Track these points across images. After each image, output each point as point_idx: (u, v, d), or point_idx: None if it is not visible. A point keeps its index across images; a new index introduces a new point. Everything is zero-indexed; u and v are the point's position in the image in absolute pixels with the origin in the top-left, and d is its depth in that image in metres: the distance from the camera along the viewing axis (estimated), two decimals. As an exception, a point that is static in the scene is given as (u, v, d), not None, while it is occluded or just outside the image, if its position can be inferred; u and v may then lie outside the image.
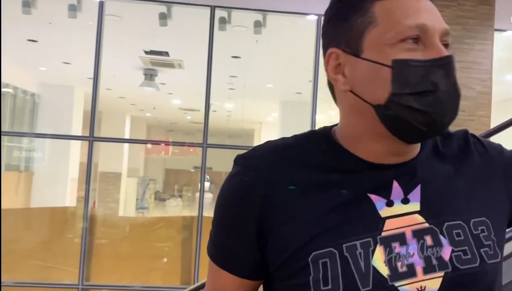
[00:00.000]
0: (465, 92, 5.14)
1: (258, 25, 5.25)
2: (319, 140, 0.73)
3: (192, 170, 18.30)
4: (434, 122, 0.64)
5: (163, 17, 5.11)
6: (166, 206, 15.26)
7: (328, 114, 7.40)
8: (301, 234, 0.66)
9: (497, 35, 5.72)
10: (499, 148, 0.79)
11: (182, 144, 12.63)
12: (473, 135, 0.79)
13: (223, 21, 5.19)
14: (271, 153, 0.72)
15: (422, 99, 0.63)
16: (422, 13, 0.66)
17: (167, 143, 14.07)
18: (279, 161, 0.71)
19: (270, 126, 12.17)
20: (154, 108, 12.85)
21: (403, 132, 0.66)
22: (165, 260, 6.70)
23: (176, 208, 15.58)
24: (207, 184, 18.81)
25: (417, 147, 0.72)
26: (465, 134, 0.78)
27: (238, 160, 0.73)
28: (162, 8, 5.25)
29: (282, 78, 8.56)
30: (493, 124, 5.22)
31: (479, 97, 5.60)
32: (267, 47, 7.18)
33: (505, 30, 5.79)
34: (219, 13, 5.34)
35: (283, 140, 0.75)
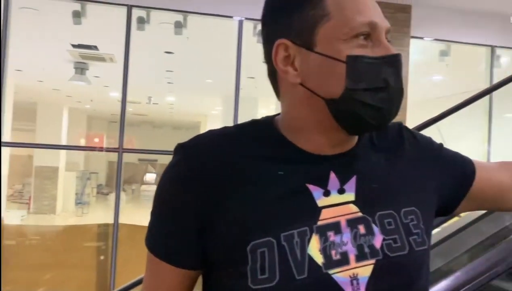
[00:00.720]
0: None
1: (179, 25, 5.18)
2: (261, 130, 0.74)
3: (136, 162, 17.98)
4: (384, 117, 0.68)
5: (77, 15, 4.94)
6: (108, 200, 14.80)
7: (270, 109, 7.45)
8: (240, 224, 0.66)
9: (413, 41, 5.96)
10: (429, 141, 0.83)
11: (93, 149, 12.26)
12: (406, 128, 0.82)
13: (141, 21, 5.09)
14: (212, 141, 0.72)
15: (375, 95, 0.66)
16: (371, 10, 0.68)
17: (79, 148, 13.60)
18: (220, 149, 0.70)
19: (215, 119, 12.16)
20: (91, 100, 12.46)
21: (353, 125, 0.68)
22: (79, 269, 6.39)
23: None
24: (152, 176, 18.57)
25: (354, 139, 0.74)
26: (399, 127, 0.81)
27: (178, 149, 0.72)
28: (76, 6, 5.08)
29: (221, 74, 8.55)
30: (409, 125, 5.44)
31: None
32: (198, 45, 7.14)
33: (421, 38, 6.01)
34: (137, 12, 5.23)
35: (224, 129, 0.74)
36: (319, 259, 0.65)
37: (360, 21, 0.66)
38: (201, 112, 13.80)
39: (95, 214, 13.20)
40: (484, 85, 6.08)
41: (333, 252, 0.65)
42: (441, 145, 0.84)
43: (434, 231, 2.24)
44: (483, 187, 0.82)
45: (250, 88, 8.66)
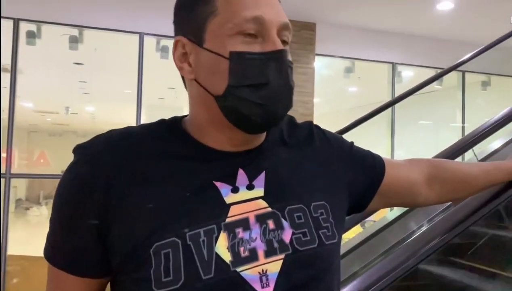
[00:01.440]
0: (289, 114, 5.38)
1: (74, 40, 4.92)
2: (167, 129, 0.72)
3: (60, 174, 17.08)
4: (268, 115, 0.66)
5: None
6: (28, 215, 13.90)
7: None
8: (143, 226, 0.63)
9: (319, 58, 6.07)
10: (340, 139, 0.84)
11: None
12: (317, 127, 0.83)
13: (31, 35, 4.77)
14: (113, 141, 0.69)
15: (256, 92, 0.64)
16: (261, 5, 0.66)
17: None
18: (121, 149, 0.67)
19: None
20: (2, 110, 11.65)
21: (241, 123, 0.67)
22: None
23: (39, 218, 14.27)
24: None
25: (261, 136, 0.73)
26: (309, 125, 0.82)
27: (76, 150, 0.68)
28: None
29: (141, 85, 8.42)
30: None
31: (302, 119, 5.87)
32: (106, 57, 6.87)
33: (326, 55, 6.14)
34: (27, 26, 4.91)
35: (127, 128, 0.71)
36: (227, 257, 0.63)
37: (244, 16, 0.65)
38: (125, 120, 13.44)
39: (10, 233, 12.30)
40: (388, 98, 6.33)
41: (241, 249, 0.64)
42: (351, 143, 0.86)
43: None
44: (393, 182, 0.85)
45: (171, 99, 8.56)
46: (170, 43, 5.37)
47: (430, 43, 6.43)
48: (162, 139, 0.70)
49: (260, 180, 0.70)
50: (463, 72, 6.55)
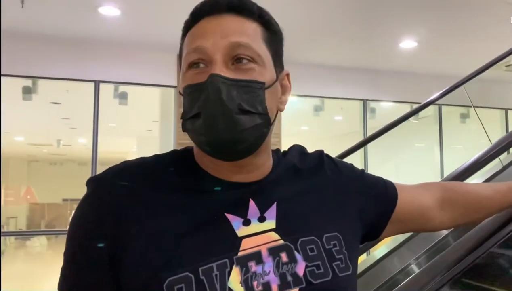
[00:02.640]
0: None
1: (27, 91, 4.91)
2: (179, 160, 0.72)
3: (60, 202, 17.16)
4: (212, 142, 0.65)
5: None
6: (27, 246, 13.80)
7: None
8: (155, 259, 0.62)
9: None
10: (350, 167, 0.84)
11: None
12: (327, 156, 0.83)
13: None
14: (126, 172, 0.69)
15: (196, 123, 0.65)
16: (205, 35, 0.67)
17: None
18: (134, 180, 0.67)
19: (134, 155, 12.04)
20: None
21: (206, 153, 0.68)
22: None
23: (39, 248, 14.19)
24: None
25: (264, 164, 0.73)
26: (320, 154, 0.82)
27: (89, 183, 0.69)
28: None
29: (130, 119, 8.70)
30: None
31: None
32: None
33: (294, 95, 6.02)
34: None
35: (141, 159, 0.72)
36: None
37: (187, 51, 0.68)
38: (119, 150, 13.65)
39: (7, 267, 12.28)
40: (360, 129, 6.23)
41: (255, 283, 0.63)
42: (362, 171, 0.85)
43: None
44: (406, 208, 0.84)
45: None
46: (128, 89, 5.35)
47: (399, 78, 6.34)
48: (174, 171, 0.70)
49: (272, 211, 0.69)
50: (439, 105, 6.37)
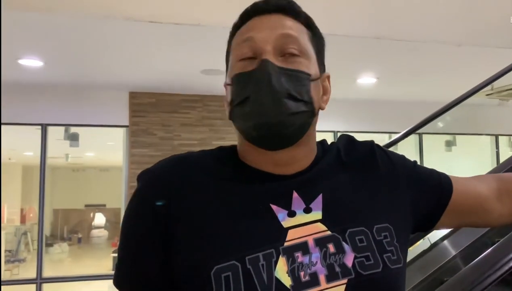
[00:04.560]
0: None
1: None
2: (224, 155, 0.75)
3: (83, 208, 17.60)
4: (260, 125, 0.66)
5: None
6: (50, 253, 14.16)
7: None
8: (203, 247, 0.64)
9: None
10: (402, 158, 0.83)
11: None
12: (378, 146, 0.81)
13: None
14: (175, 164, 0.72)
15: (244, 107, 0.67)
16: (254, 29, 0.71)
17: None
18: (183, 172, 0.70)
19: None
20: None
21: (252, 140, 0.69)
22: None
23: (61, 255, 14.57)
24: (102, 219, 18.13)
25: (305, 156, 0.73)
26: (371, 145, 0.81)
27: (140, 176, 0.72)
28: None
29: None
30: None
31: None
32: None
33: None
34: None
35: (189, 153, 0.75)
36: (287, 281, 0.62)
37: (238, 43, 0.72)
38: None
39: (25, 272, 12.73)
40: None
41: (301, 274, 0.63)
42: (415, 162, 0.84)
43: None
44: (462, 200, 0.81)
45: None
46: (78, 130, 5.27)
47: (368, 108, 6.01)
48: (220, 163, 0.72)
49: (318, 202, 0.69)
50: (420, 134, 5.89)
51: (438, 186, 0.81)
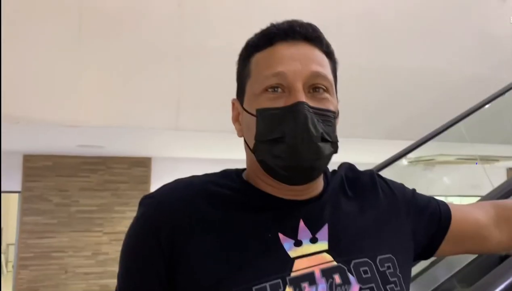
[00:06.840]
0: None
1: None
2: (230, 179, 0.74)
3: None
4: (292, 167, 0.67)
5: None
6: None
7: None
8: (208, 276, 0.63)
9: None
10: (401, 187, 0.84)
11: None
12: (379, 176, 0.83)
13: None
14: (179, 189, 0.70)
15: (275, 146, 0.66)
16: (284, 61, 0.69)
17: None
18: (187, 197, 0.69)
19: None
20: None
21: (275, 176, 0.69)
22: None
23: None
24: None
25: (317, 184, 0.73)
26: (371, 174, 0.82)
27: (143, 200, 0.71)
28: None
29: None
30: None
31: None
32: None
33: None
34: None
35: (193, 177, 0.73)
36: None
37: (265, 75, 0.69)
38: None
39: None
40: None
41: None
42: (413, 191, 0.85)
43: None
44: (460, 227, 0.83)
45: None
46: None
47: None
48: (225, 188, 0.71)
49: (324, 232, 0.69)
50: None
51: (437, 214, 0.83)
